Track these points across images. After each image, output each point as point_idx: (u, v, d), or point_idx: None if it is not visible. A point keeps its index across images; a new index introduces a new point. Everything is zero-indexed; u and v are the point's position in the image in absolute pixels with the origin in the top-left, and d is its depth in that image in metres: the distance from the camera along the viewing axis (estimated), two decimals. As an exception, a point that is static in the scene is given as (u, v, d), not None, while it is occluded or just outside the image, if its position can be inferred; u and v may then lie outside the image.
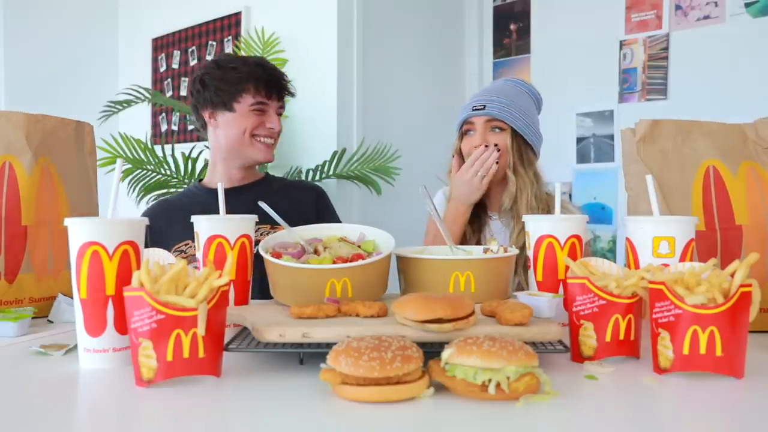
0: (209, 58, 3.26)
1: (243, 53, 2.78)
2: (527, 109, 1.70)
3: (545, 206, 1.66)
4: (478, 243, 1.70)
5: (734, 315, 0.78)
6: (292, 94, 1.79)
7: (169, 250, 1.58)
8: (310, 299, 0.95)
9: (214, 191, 1.62)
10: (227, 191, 1.56)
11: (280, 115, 1.76)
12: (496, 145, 1.63)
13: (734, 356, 0.79)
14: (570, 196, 3.16)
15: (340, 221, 1.82)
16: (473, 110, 1.68)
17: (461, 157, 1.72)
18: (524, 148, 1.67)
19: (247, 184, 1.80)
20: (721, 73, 2.77)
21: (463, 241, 1.68)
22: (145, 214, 1.81)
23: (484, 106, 1.66)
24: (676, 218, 1.02)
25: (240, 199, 1.54)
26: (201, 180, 1.90)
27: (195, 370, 0.77)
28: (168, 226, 1.67)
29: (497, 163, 1.63)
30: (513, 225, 1.67)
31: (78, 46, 3.70)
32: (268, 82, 1.70)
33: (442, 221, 1.31)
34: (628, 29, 3.04)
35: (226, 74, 1.70)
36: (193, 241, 1.45)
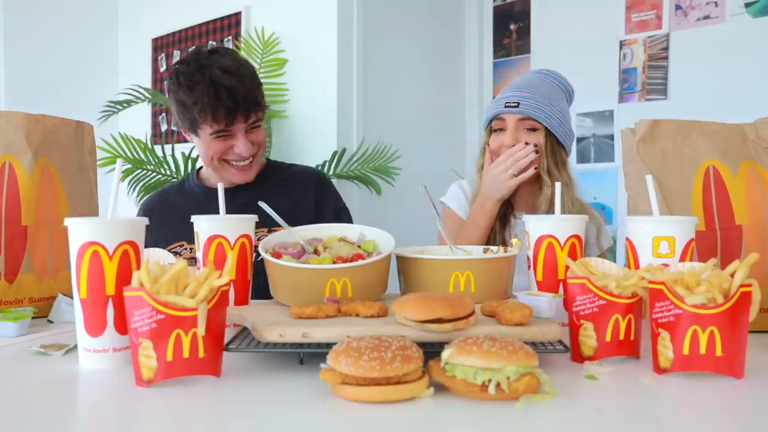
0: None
1: (243, 54, 2.77)
2: (560, 105, 1.61)
3: (580, 212, 1.57)
4: (503, 243, 1.61)
5: (734, 315, 0.78)
6: (262, 108, 1.57)
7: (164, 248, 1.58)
8: (310, 299, 0.95)
9: (212, 190, 1.58)
10: (225, 191, 1.55)
11: (257, 127, 1.56)
12: (536, 145, 1.55)
13: (734, 356, 0.79)
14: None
15: (343, 205, 1.75)
16: (506, 107, 1.58)
17: (490, 153, 1.64)
18: (557, 148, 1.60)
19: (243, 184, 1.67)
20: (721, 73, 2.77)
21: (489, 240, 1.61)
22: (142, 207, 1.74)
23: (518, 103, 1.56)
24: (676, 218, 1.02)
25: (239, 199, 1.48)
26: (200, 170, 1.77)
27: (195, 370, 0.77)
28: (163, 224, 1.59)
29: (533, 163, 1.55)
30: None
31: (78, 46, 3.70)
32: (228, 110, 1.46)
33: (443, 221, 1.29)
34: (628, 29, 3.04)
35: (181, 100, 1.50)
36: (188, 242, 1.43)
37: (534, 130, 1.58)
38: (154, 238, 1.57)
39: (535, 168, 1.55)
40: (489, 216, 1.58)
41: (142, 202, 1.79)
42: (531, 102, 1.56)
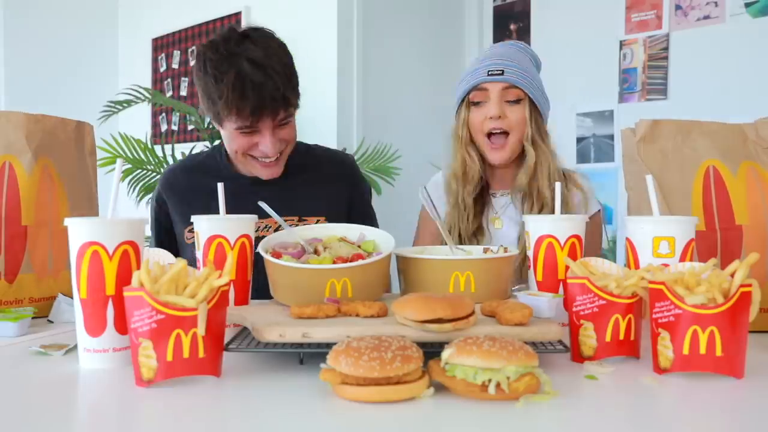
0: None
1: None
2: (536, 74, 1.55)
3: (565, 181, 1.53)
4: (480, 228, 1.56)
5: (734, 315, 0.78)
6: (293, 104, 1.44)
7: (183, 230, 1.54)
8: (310, 299, 0.95)
9: (241, 177, 1.53)
10: (254, 181, 1.54)
11: (286, 123, 1.45)
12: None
13: (734, 356, 0.79)
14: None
15: (372, 208, 1.68)
16: (489, 75, 1.47)
17: (469, 131, 1.53)
18: (540, 119, 1.52)
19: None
20: (721, 73, 2.77)
21: (465, 227, 1.54)
22: (163, 181, 1.62)
23: (502, 71, 1.46)
24: (676, 218, 1.02)
25: (265, 191, 1.39)
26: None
27: (195, 370, 0.77)
28: (186, 204, 1.52)
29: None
30: (533, 202, 1.51)
31: (78, 46, 3.70)
32: (254, 108, 1.36)
33: (444, 222, 1.29)
34: (628, 29, 3.04)
35: (207, 89, 1.41)
36: None
37: (518, 101, 1.49)
38: (180, 215, 1.54)
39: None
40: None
41: (161, 180, 1.65)
42: (514, 70, 1.47)
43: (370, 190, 1.77)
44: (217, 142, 1.65)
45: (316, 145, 1.73)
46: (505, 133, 1.51)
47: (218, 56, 1.38)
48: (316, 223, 1.31)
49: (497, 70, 1.46)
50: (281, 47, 1.46)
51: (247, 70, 1.35)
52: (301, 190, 1.53)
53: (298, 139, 1.55)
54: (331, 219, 1.44)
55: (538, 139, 1.51)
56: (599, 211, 1.60)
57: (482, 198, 1.58)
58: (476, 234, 1.56)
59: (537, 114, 1.51)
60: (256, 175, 1.52)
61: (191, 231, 1.54)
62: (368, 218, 1.64)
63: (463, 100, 1.54)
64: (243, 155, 1.47)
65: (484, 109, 1.49)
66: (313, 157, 1.64)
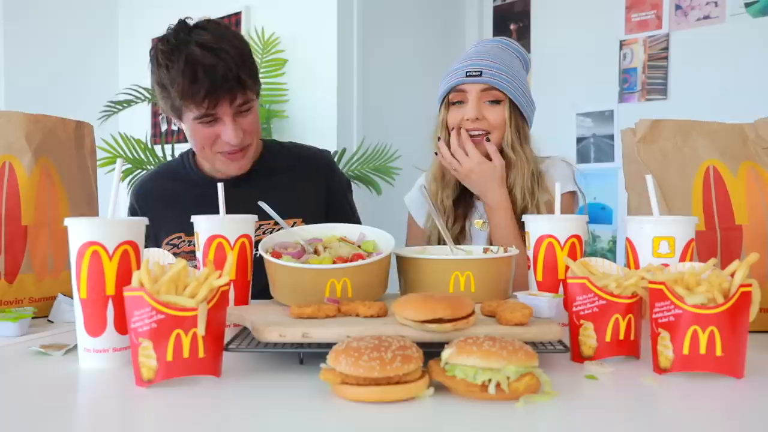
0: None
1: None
2: (521, 75, 1.49)
3: (538, 182, 1.48)
4: (462, 230, 1.54)
5: (734, 315, 0.78)
6: (251, 88, 1.39)
7: (160, 241, 1.51)
8: (310, 299, 0.95)
9: (211, 181, 1.45)
10: (225, 184, 1.50)
11: (247, 110, 1.40)
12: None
13: (734, 356, 0.79)
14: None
15: (349, 202, 1.66)
16: (467, 76, 1.44)
17: (448, 132, 1.49)
18: (521, 122, 1.48)
19: (243, 175, 1.52)
20: (721, 73, 2.77)
21: (448, 228, 1.50)
22: (135, 195, 1.60)
23: (480, 72, 1.43)
24: (676, 218, 1.02)
25: (240, 191, 1.37)
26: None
27: (195, 370, 0.77)
28: (160, 214, 1.47)
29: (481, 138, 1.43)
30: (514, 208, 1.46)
31: (78, 46, 3.70)
32: (208, 91, 1.31)
33: (439, 221, 1.27)
34: (628, 29, 3.04)
35: (160, 82, 1.37)
36: (187, 234, 1.36)
37: (497, 102, 1.45)
38: (159, 225, 1.48)
39: (488, 139, 1.44)
40: (504, 212, 1.43)
41: (133, 190, 1.63)
42: (494, 71, 1.43)
43: (349, 185, 1.71)
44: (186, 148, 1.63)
45: (290, 142, 1.69)
46: (484, 135, 1.46)
47: (168, 47, 1.35)
48: (293, 225, 1.26)
49: (475, 71, 1.43)
50: (235, 34, 1.43)
51: (197, 54, 1.32)
52: (275, 192, 1.42)
53: (273, 138, 1.52)
54: (308, 220, 1.38)
55: (517, 143, 1.47)
56: (573, 192, 1.53)
57: (465, 201, 1.56)
58: (458, 238, 1.52)
59: (518, 116, 1.47)
60: (224, 175, 1.47)
61: (170, 243, 1.51)
62: (346, 215, 1.60)
63: (443, 101, 1.52)
64: (209, 150, 1.42)
65: (463, 110, 1.47)
66: (287, 157, 1.60)
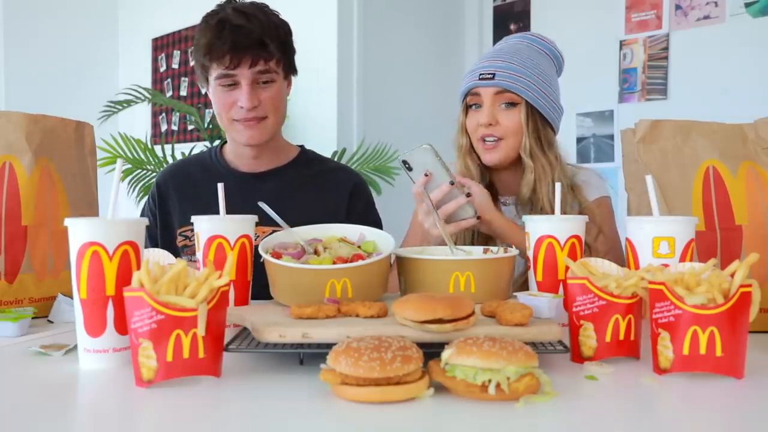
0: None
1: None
2: (546, 75, 1.41)
3: (569, 188, 1.43)
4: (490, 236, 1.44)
5: (734, 315, 0.78)
6: (276, 58, 1.42)
7: (174, 231, 1.55)
8: (310, 299, 0.95)
9: (236, 174, 1.54)
10: (250, 177, 1.56)
11: (268, 83, 1.42)
12: (469, 194, 1.26)
13: (734, 356, 0.79)
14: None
15: (377, 220, 1.64)
16: (480, 79, 1.39)
17: (468, 137, 1.45)
18: (542, 125, 1.40)
19: (272, 169, 1.56)
20: (721, 73, 2.78)
21: (472, 238, 1.46)
22: (162, 178, 1.63)
23: (493, 74, 1.37)
24: (676, 218, 1.02)
25: (265, 187, 1.43)
26: (223, 146, 1.63)
27: (195, 370, 0.77)
28: (178, 200, 1.54)
29: (476, 216, 1.27)
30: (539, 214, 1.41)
31: (78, 46, 3.70)
32: (230, 48, 1.36)
33: (444, 222, 1.26)
34: (628, 29, 3.04)
35: (196, 41, 1.44)
36: None
37: (513, 105, 1.39)
38: (179, 212, 1.54)
39: (468, 197, 1.26)
40: (511, 228, 1.33)
41: (158, 176, 1.66)
42: (508, 72, 1.37)
43: (371, 207, 1.69)
44: (216, 143, 1.67)
45: (328, 158, 1.73)
46: (498, 141, 1.42)
47: (211, 11, 1.44)
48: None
49: (488, 74, 1.38)
50: (275, 13, 1.50)
51: (230, 14, 1.40)
52: (299, 198, 1.52)
53: (311, 148, 1.59)
54: None
55: (537, 149, 1.40)
56: (607, 197, 1.51)
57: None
58: (487, 241, 1.45)
59: (537, 120, 1.40)
60: (244, 144, 1.48)
61: (182, 235, 1.55)
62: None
63: (463, 103, 1.48)
64: (225, 117, 1.45)
65: (478, 115, 1.42)
66: (318, 167, 1.63)
